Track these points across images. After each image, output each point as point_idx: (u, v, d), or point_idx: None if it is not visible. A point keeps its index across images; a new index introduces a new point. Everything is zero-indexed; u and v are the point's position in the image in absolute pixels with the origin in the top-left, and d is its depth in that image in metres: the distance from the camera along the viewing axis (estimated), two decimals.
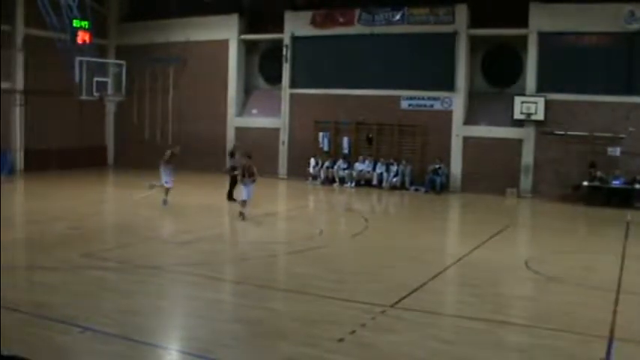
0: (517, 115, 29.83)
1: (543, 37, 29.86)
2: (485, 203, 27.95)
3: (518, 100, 29.84)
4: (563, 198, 28.57)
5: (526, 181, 30.06)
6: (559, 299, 12.56)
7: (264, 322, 10.52)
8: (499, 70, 31.93)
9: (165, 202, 23.00)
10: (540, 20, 29.80)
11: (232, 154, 26.16)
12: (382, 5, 32.48)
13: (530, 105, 29.54)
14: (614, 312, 11.33)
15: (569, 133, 29.11)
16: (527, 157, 29.99)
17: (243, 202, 20.86)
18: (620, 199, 27.64)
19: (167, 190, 23.18)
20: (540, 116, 29.46)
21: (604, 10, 28.62)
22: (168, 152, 23.78)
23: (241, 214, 20.64)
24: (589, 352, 9.28)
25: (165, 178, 23.24)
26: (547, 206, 27.71)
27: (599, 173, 28.18)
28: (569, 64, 29.43)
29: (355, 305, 11.40)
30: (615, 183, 27.98)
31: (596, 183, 28.13)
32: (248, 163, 21.41)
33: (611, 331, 10.20)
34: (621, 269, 15.08)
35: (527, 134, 30.06)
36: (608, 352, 9.22)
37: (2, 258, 12.10)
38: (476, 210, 26.91)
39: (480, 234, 19.23)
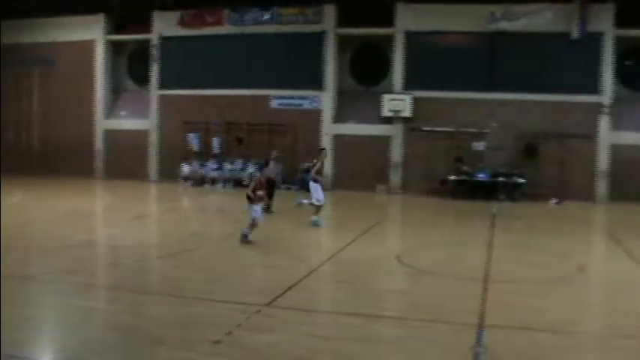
0: (385, 113, 30.46)
1: (409, 36, 30.65)
2: (356, 200, 28.31)
3: (386, 97, 30.44)
4: (432, 192, 29.34)
5: (395, 178, 30.69)
6: (431, 291, 12.83)
7: (138, 327, 10.25)
8: (367, 69, 32.51)
9: (315, 222, 20.33)
10: (406, 20, 30.56)
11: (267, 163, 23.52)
12: (251, 5, 32.43)
13: (397, 102, 30.18)
14: (484, 300, 11.68)
15: (435, 129, 29.92)
16: (396, 153, 30.61)
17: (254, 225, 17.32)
18: (486, 191, 28.64)
19: (318, 208, 20.58)
20: (408, 113, 30.18)
21: (467, 11, 29.68)
22: (319, 164, 20.59)
23: (245, 237, 17.13)
24: (461, 341, 9.49)
25: (316, 194, 20.37)
26: (416, 201, 28.35)
27: (465, 167, 29.09)
28: (435, 63, 30.35)
29: (231, 306, 11.28)
30: (480, 176, 28.96)
31: (463, 177, 29.06)
32: (266, 173, 18.42)
33: (481, 319, 10.51)
34: (489, 259, 15.59)
35: (396, 131, 30.72)
36: (479, 339, 9.48)
37: None
38: (347, 207, 27.20)
39: (352, 230, 19.44)
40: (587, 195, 29.27)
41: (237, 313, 10.80)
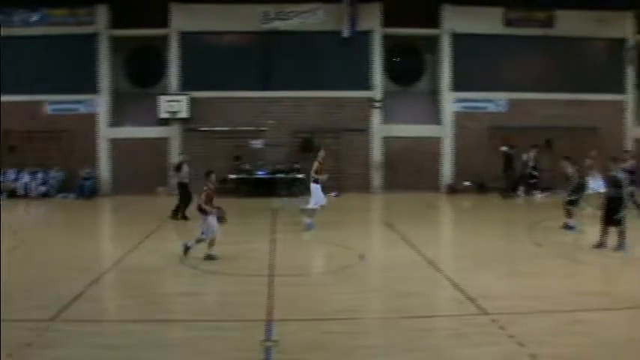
0: (162, 114, 30.17)
1: (185, 36, 30.56)
2: (138, 204, 27.81)
3: (162, 99, 30.17)
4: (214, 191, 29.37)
5: (174, 179, 30.44)
6: (219, 290, 12.95)
7: None
8: (143, 70, 32.06)
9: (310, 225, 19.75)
10: (181, 20, 30.45)
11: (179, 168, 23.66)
12: (18, 6, 30.81)
13: (174, 104, 30.01)
14: (271, 295, 11.91)
15: (214, 129, 30.04)
16: (175, 155, 30.39)
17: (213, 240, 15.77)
18: (267, 188, 29.14)
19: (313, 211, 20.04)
20: (185, 114, 30.07)
21: (242, 11, 30.11)
22: (316, 163, 20.12)
23: (210, 256, 15.55)
24: (251, 337, 9.65)
25: (316, 197, 19.99)
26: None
27: (246, 165, 29.45)
28: (212, 63, 30.53)
29: (15, 324, 10.70)
30: (260, 174, 29.45)
31: (243, 175, 29.39)
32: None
33: (270, 314, 10.71)
34: (273, 254, 15.92)
35: (173, 132, 30.51)
36: (268, 334, 9.67)
37: None
38: (128, 212, 26.67)
39: (135, 235, 19.08)
40: (363, 186, 30.60)
41: (24, 330, 10.27)
